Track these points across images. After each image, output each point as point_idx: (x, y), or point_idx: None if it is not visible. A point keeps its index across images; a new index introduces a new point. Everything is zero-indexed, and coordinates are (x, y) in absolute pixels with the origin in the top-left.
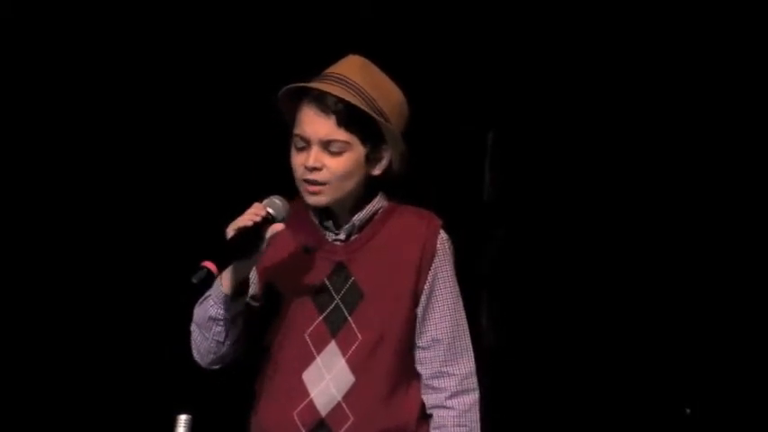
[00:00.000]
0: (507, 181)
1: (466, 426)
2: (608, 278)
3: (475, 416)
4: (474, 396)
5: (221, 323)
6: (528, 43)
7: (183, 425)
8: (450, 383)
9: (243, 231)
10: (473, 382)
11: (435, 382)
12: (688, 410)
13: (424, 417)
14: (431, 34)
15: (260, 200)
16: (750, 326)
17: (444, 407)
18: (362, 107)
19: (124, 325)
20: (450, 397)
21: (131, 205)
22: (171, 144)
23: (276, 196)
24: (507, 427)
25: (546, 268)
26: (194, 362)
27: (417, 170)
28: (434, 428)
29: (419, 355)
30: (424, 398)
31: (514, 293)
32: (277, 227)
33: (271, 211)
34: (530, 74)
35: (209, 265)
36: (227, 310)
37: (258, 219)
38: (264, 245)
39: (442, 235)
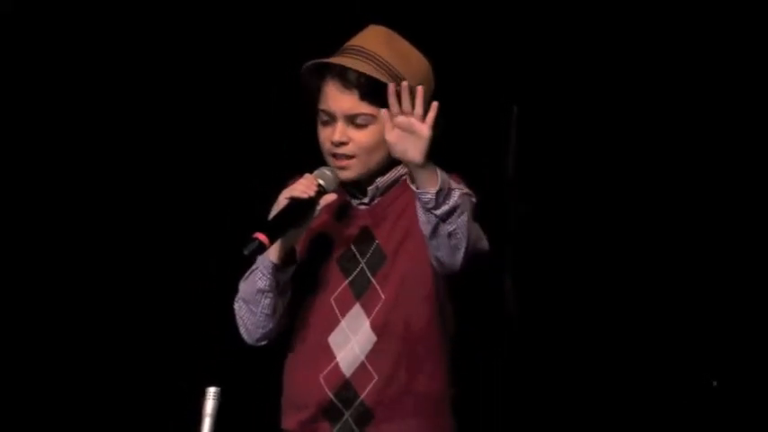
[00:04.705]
0: (532, 157)
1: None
2: (635, 251)
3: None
4: None
5: (270, 295)
6: (556, 15)
7: (211, 397)
8: None
9: (297, 202)
10: None
11: None
12: (715, 383)
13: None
14: (456, 4)
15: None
16: None
17: None
18: (384, 80)
19: (155, 298)
20: None
21: (163, 176)
22: (195, 124)
23: (326, 167)
24: (528, 393)
25: (570, 244)
26: (238, 337)
27: (440, 147)
28: None
29: None
30: None
31: (538, 270)
32: (329, 197)
33: (322, 182)
34: (555, 47)
35: (261, 236)
36: (276, 280)
37: (313, 193)
38: (316, 214)
39: (462, 187)
